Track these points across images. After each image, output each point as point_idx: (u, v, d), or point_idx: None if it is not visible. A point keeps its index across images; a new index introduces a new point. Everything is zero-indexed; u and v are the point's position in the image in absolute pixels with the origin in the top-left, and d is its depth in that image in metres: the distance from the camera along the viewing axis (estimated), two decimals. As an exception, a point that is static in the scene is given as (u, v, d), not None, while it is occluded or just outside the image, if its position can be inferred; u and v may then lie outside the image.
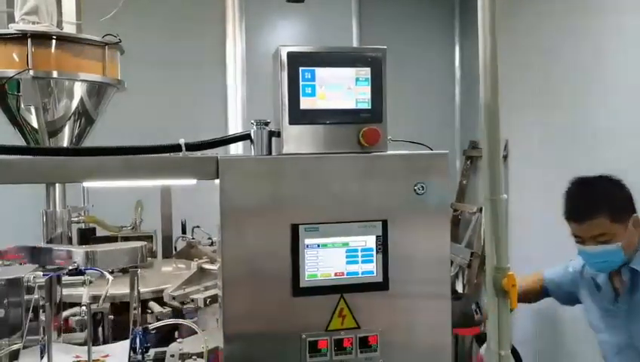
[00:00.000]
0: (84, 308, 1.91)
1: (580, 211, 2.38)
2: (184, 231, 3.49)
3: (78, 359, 1.77)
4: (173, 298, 2.40)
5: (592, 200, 2.38)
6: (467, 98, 5.55)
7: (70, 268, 2.28)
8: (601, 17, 3.61)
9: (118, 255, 2.63)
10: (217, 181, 1.72)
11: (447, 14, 5.65)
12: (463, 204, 5.26)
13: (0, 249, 2.60)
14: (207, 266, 2.57)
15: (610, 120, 3.54)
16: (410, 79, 5.10)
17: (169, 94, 4.75)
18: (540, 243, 4.18)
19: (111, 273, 2.21)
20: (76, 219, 3.13)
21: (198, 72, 4.85)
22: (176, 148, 1.76)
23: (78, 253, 2.51)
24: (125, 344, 1.87)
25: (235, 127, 4.58)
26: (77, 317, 2.12)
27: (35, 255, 2.59)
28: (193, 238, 3.29)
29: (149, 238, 3.26)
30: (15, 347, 1.84)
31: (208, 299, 2.39)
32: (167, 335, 2.24)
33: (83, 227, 3.27)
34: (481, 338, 4.15)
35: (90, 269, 2.29)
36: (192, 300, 2.39)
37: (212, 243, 3.22)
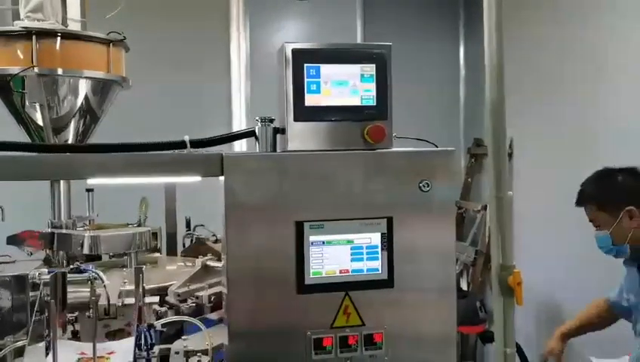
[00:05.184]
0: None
1: (577, 197, 2.64)
2: (189, 228, 3.49)
3: (83, 356, 1.77)
4: (178, 295, 2.40)
5: (583, 188, 2.62)
6: (472, 96, 5.53)
7: (72, 266, 2.28)
8: (609, 15, 3.59)
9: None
10: (222, 178, 1.72)
11: (452, 12, 5.64)
12: (467, 202, 5.25)
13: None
14: (211, 263, 2.56)
15: (616, 118, 3.52)
16: (414, 77, 5.07)
17: (173, 92, 4.75)
18: (545, 241, 4.17)
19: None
20: (82, 228, 3.14)
21: (202, 69, 4.85)
22: (180, 145, 1.76)
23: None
24: (130, 341, 1.87)
25: (239, 125, 4.59)
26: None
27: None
28: (198, 235, 3.29)
29: (153, 235, 3.25)
30: (20, 344, 1.84)
31: (212, 297, 2.39)
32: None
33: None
34: (486, 337, 4.14)
35: (90, 270, 2.27)
36: (197, 297, 2.39)
37: (217, 241, 3.22)
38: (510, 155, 4.48)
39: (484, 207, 4.92)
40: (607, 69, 3.59)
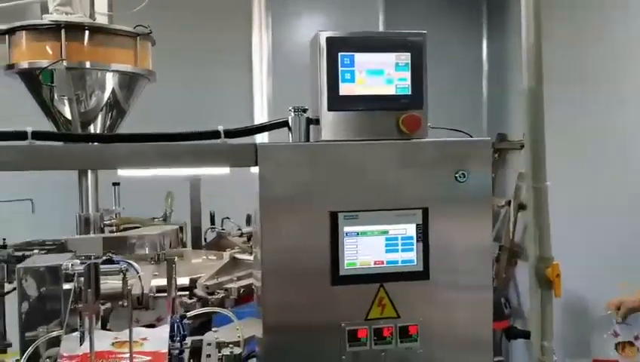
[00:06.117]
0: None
1: None
2: (213, 223, 3.49)
3: (117, 340, 1.77)
4: (207, 287, 2.39)
5: None
6: (494, 91, 5.48)
7: (104, 257, 2.28)
8: (628, 10, 3.53)
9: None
10: (254, 169, 1.70)
11: (475, 8, 5.58)
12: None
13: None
14: (240, 256, 2.56)
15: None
16: (437, 73, 4.96)
17: (195, 85, 4.75)
18: (562, 236, 4.10)
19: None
20: (108, 221, 3.16)
21: (224, 62, 4.84)
22: (214, 134, 1.74)
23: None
24: (163, 329, 1.86)
25: (260, 117, 4.57)
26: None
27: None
28: (223, 229, 3.28)
29: (180, 229, 3.26)
30: (54, 334, 1.85)
31: (242, 289, 2.38)
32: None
33: (114, 231, 3.28)
34: (511, 333, 4.09)
35: (122, 261, 2.28)
36: (226, 290, 2.39)
37: (242, 235, 3.21)
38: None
39: (508, 203, 4.86)
40: (633, 68, 3.54)
